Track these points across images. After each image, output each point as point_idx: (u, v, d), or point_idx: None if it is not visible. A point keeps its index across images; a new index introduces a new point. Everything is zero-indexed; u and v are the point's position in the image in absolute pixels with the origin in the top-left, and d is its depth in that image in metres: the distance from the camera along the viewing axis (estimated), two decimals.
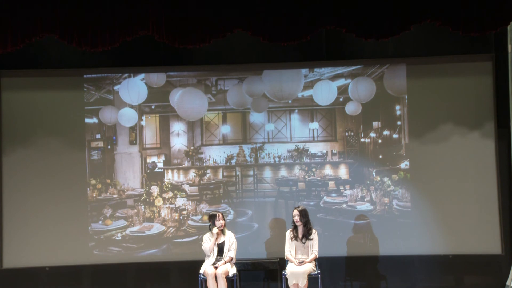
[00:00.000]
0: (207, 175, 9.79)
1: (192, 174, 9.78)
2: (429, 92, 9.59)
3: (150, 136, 9.82)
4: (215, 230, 8.64)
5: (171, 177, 9.78)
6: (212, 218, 8.71)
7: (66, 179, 9.67)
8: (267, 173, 9.77)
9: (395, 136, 9.67)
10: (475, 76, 9.54)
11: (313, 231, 8.69)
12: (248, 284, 9.44)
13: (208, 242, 8.64)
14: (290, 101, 9.76)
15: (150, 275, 9.62)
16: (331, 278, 9.51)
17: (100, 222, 9.71)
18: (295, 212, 8.67)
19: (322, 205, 9.69)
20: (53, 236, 9.57)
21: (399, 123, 9.66)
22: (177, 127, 9.82)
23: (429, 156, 9.56)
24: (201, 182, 9.79)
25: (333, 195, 9.72)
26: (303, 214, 8.65)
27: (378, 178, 9.66)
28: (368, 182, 9.67)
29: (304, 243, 8.64)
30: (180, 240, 9.69)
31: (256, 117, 9.80)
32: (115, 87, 9.81)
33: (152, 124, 9.83)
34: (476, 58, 9.55)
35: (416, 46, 9.46)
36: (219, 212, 8.79)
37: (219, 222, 8.66)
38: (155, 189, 9.75)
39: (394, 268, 9.49)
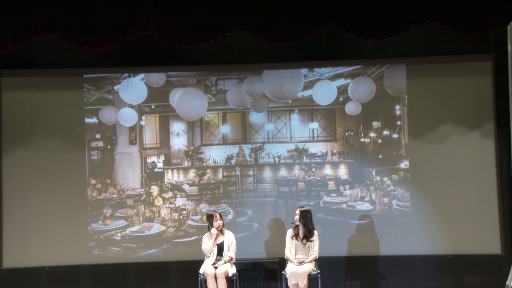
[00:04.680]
0: (207, 175, 9.79)
1: (192, 174, 9.78)
2: (429, 92, 9.59)
3: (150, 136, 9.82)
4: (213, 230, 8.63)
5: (171, 177, 9.79)
6: (210, 218, 8.72)
7: (66, 179, 9.67)
8: (267, 173, 9.77)
9: (395, 136, 9.67)
10: (475, 76, 9.54)
11: (315, 232, 8.67)
12: (248, 284, 9.44)
13: (207, 243, 8.64)
14: (290, 101, 9.76)
15: (150, 275, 9.61)
16: (331, 278, 9.51)
17: (100, 222, 9.71)
18: (297, 211, 8.66)
19: (322, 205, 9.69)
20: (53, 236, 9.58)
21: (399, 123, 9.66)
22: (177, 127, 9.83)
23: (429, 156, 9.56)
24: (201, 182, 9.79)
25: (333, 195, 9.72)
26: (304, 215, 8.63)
27: (378, 178, 9.66)
28: (368, 182, 9.67)
29: (304, 244, 8.63)
30: (180, 240, 9.69)
31: (256, 117, 9.80)
32: (115, 87, 9.81)
33: (152, 124, 9.83)
34: (476, 58, 9.55)
35: (416, 46, 9.46)
36: (216, 212, 8.77)
37: (217, 223, 8.65)
38: (155, 189, 9.76)
39: (394, 268, 9.49)
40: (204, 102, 9.80)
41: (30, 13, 8.07)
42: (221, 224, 8.68)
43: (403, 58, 9.62)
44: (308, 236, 8.63)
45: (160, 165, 9.80)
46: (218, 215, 8.68)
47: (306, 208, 8.74)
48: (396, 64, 9.64)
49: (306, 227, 8.63)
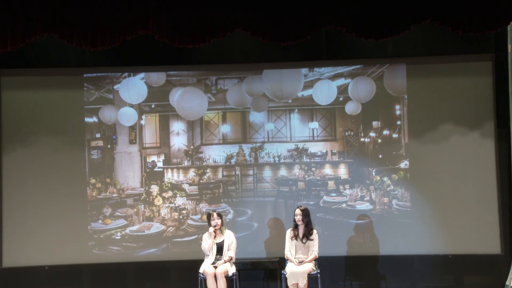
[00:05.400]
0: (207, 174, 9.79)
1: (191, 173, 9.78)
2: (429, 92, 9.59)
3: (150, 136, 9.82)
4: (211, 229, 8.63)
5: (171, 176, 9.79)
6: (208, 218, 8.72)
7: (66, 178, 9.67)
8: (267, 173, 9.76)
9: (394, 135, 9.67)
10: (475, 76, 9.54)
11: (314, 231, 8.67)
12: (247, 284, 9.45)
13: (207, 241, 8.63)
14: (290, 101, 9.76)
15: (150, 274, 9.62)
16: (331, 277, 9.51)
17: (100, 221, 9.71)
18: (297, 211, 8.63)
19: (321, 205, 9.69)
20: (52, 235, 9.58)
21: (399, 122, 9.66)
22: (177, 127, 9.83)
23: (429, 156, 9.56)
24: (201, 181, 9.79)
25: (333, 194, 9.72)
26: (305, 213, 8.63)
27: (378, 178, 9.66)
28: (368, 181, 9.67)
29: (304, 243, 8.63)
30: (180, 239, 9.69)
31: (256, 117, 9.80)
32: (115, 86, 9.81)
33: (152, 124, 9.83)
34: (476, 58, 9.55)
35: (416, 46, 9.46)
36: (213, 211, 8.75)
37: (214, 222, 8.63)
38: (154, 189, 9.76)
39: (393, 268, 9.49)
40: (204, 101, 9.81)
41: (30, 12, 8.07)
42: (218, 224, 8.64)
43: (403, 58, 9.62)
44: (308, 235, 8.62)
45: (160, 164, 9.80)
46: (215, 214, 8.66)
47: (305, 206, 8.73)
48: (396, 64, 9.64)
49: (308, 226, 8.62)
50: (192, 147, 9.81)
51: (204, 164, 9.80)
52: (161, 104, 9.81)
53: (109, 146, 9.79)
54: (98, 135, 9.80)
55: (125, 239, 9.69)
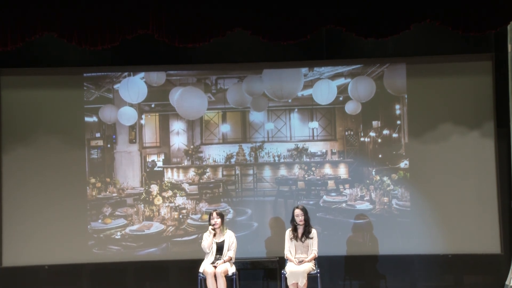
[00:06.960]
0: (207, 174, 9.79)
1: (191, 173, 9.78)
2: (429, 92, 9.59)
3: (150, 135, 9.82)
4: (210, 228, 8.62)
5: (171, 176, 9.79)
6: (209, 217, 8.72)
7: (66, 177, 9.67)
8: (267, 172, 9.76)
9: (394, 135, 9.67)
10: (475, 75, 9.54)
11: (313, 230, 8.67)
12: (247, 283, 9.44)
13: (207, 240, 8.63)
14: (289, 100, 9.76)
15: (150, 274, 9.62)
16: (331, 277, 9.51)
17: (100, 220, 9.71)
18: (298, 211, 8.60)
19: (321, 204, 9.69)
20: (52, 235, 9.57)
21: (398, 122, 9.66)
22: (177, 126, 9.83)
23: (428, 155, 9.56)
24: (201, 181, 9.79)
25: (333, 194, 9.72)
26: (305, 212, 8.63)
27: (378, 178, 9.66)
28: (368, 181, 9.67)
29: (303, 242, 8.62)
30: (180, 239, 9.69)
31: (255, 116, 9.80)
32: (115, 86, 9.81)
33: (151, 123, 9.83)
34: (476, 58, 9.54)
35: (416, 45, 9.46)
36: (214, 211, 8.74)
37: (213, 221, 8.62)
38: (154, 188, 9.76)
39: (393, 267, 9.49)
40: (204, 101, 9.80)
41: (30, 11, 8.07)
42: (218, 223, 8.62)
43: (403, 58, 9.62)
44: (307, 233, 8.61)
45: (160, 164, 9.80)
46: (215, 214, 8.66)
47: (302, 205, 8.73)
48: (396, 63, 9.64)
49: (307, 225, 8.62)
50: (192, 146, 9.81)
51: (204, 163, 9.80)
52: (161, 104, 9.81)
53: (109, 145, 9.79)
54: (98, 135, 9.80)
55: (125, 238, 9.69)
